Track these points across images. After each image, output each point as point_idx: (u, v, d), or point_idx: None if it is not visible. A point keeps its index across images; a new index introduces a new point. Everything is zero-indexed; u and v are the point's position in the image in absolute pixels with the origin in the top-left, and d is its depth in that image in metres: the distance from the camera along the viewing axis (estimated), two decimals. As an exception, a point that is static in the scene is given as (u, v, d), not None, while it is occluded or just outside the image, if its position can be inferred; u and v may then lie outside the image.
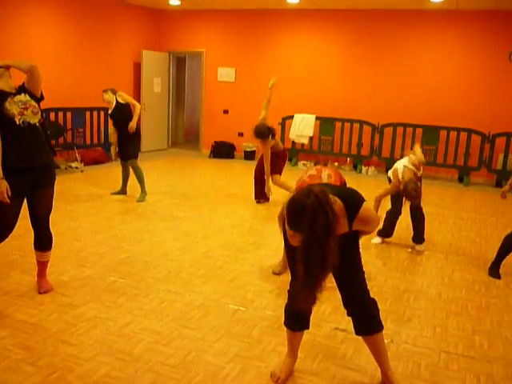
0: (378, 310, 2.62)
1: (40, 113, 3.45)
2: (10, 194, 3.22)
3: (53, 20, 8.77)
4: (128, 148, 6.52)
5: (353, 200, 2.39)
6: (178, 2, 10.02)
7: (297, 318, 2.68)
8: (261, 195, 6.69)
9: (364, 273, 2.59)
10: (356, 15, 9.64)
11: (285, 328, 2.75)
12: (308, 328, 2.75)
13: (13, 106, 3.30)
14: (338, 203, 2.27)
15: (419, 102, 9.40)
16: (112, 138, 6.75)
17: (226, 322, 3.33)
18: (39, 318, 3.24)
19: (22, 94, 3.38)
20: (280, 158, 6.55)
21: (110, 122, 6.76)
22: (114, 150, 6.69)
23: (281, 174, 6.57)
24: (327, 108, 9.99)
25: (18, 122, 3.30)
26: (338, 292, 2.62)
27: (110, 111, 6.55)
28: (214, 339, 3.10)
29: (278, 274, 4.23)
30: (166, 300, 3.62)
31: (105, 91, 6.59)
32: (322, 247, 2.09)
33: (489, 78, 8.98)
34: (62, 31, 8.97)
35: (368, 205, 2.42)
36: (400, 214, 5.08)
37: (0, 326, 3.11)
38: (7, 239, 3.45)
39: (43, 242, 3.59)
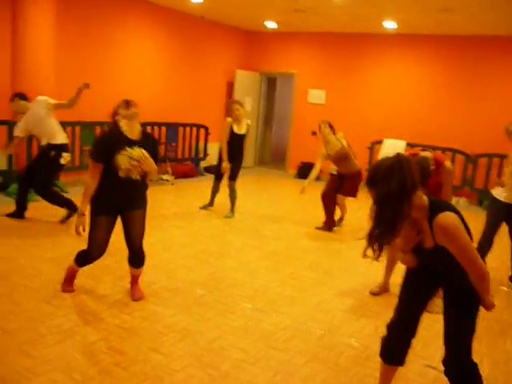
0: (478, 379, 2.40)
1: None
2: (85, 229, 3.43)
3: (153, 39, 9.23)
4: (235, 170, 6.67)
5: (438, 203, 2.26)
6: (275, 25, 10.23)
7: (393, 350, 2.58)
8: (328, 223, 6.56)
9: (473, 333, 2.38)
10: (450, 41, 9.36)
11: (380, 360, 2.65)
12: (402, 364, 2.63)
13: (124, 160, 3.32)
14: (423, 199, 2.23)
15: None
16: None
17: (312, 347, 3.28)
18: (132, 325, 3.36)
19: (141, 149, 3.38)
20: (356, 179, 6.40)
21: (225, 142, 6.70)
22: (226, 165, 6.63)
23: (356, 196, 6.39)
24: (418, 134, 9.71)
25: (120, 175, 3.38)
26: (429, 325, 2.51)
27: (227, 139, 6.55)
28: (301, 363, 3.06)
29: (376, 294, 4.29)
30: (252, 318, 3.63)
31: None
32: (394, 206, 2.12)
33: None
34: (161, 50, 9.41)
35: (452, 215, 2.19)
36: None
37: (96, 329, 3.25)
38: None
39: (136, 260, 3.73)
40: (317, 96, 10.92)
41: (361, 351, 3.27)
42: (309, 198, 8.64)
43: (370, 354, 3.22)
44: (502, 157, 8.82)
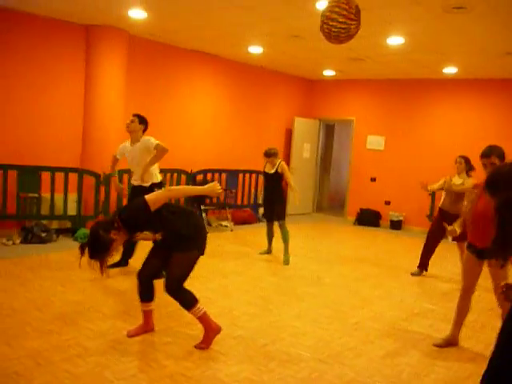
0: None
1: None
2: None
3: (215, 89, 9.56)
4: (277, 209, 6.73)
5: None
6: (334, 73, 10.38)
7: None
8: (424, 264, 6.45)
9: None
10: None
11: None
12: None
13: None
14: None
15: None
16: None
17: (380, 403, 3.15)
18: (195, 373, 3.34)
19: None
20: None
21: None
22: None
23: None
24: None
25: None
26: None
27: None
28: (369, 420, 2.93)
29: (440, 346, 4.11)
30: (317, 370, 3.53)
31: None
32: None
33: None
34: (222, 99, 9.73)
35: None
36: None
37: (159, 376, 3.26)
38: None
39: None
40: (376, 142, 10.87)
41: (432, 410, 3.10)
42: (368, 245, 8.49)
43: (442, 414, 3.05)
44: None
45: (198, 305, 3.70)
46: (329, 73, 10.43)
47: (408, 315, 4.93)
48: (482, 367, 2.29)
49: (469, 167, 6.23)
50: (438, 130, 10.08)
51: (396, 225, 10.32)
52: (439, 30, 6.36)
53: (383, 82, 10.67)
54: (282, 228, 6.70)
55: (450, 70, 9.01)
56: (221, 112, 9.73)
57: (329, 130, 12.70)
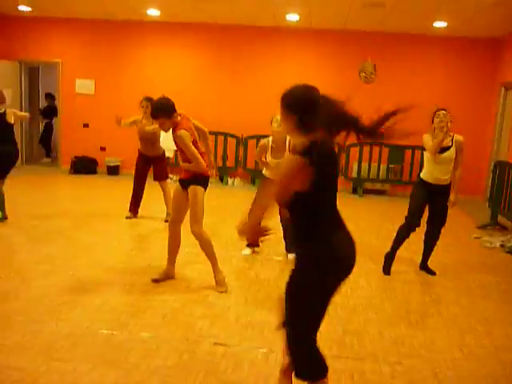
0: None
1: None
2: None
3: None
4: None
5: None
6: (29, 9, 9.39)
7: (320, 360, 2.38)
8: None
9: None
10: (208, 28, 9.80)
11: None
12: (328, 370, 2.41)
13: None
14: None
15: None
16: None
17: (98, 349, 3.12)
18: None
19: None
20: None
21: None
22: None
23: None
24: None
25: None
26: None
27: None
28: (87, 370, 2.88)
29: (156, 281, 4.28)
30: (31, 331, 3.28)
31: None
32: None
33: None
34: None
35: None
36: None
37: None
38: None
39: None
40: (85, 86, 10.41)
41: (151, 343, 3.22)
42: (84, 193, 8.23)
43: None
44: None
45: None
46: (23, 8, 9.35)
47: (125, 257, 4.99)
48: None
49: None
50: (144, 73, 10.13)
51: (113, 170, 10.24)
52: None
53: (89, 22, 10.08)
54: None
55: (154, 13, 9.08)
56: None
57: (33, 73, 11.64)
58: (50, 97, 11.85)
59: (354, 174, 9.61)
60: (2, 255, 4.86)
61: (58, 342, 3.18)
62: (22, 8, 9.35)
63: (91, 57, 10.31)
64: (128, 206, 6.61)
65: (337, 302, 4.09)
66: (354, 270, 2.30)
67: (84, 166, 10.27)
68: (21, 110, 10.65)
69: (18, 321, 3.44)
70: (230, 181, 9.87)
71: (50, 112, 11.82)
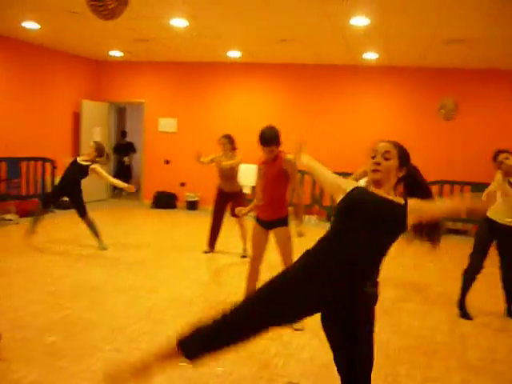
0: None
1: None
2: None
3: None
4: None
5: None
6: (121, 54, 10.08)
7: None
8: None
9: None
10: (288, 68, 10.01)
11: None
12: None
13: None
14: None
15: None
16: None
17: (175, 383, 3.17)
18: (-29, 386, 2.98)
19: None
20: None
21: None
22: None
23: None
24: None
25: None
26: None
27: None
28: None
29: None
30: (113, 360, 3.41)
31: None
32: None
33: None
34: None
35: None
36: None
37: None
38: None
39: None
40: (168, 124, 10.91)
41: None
42: (165, 227, 8.52)
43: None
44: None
45: None
46: (116, 53, 10.09)
47: (203, 291, 5.08)
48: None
49: (233, 146, 6.56)
50: (227, 112, 10.50)
51: (192, 205, 10.56)
52: (220, 14, 6.56)
53: (173, 64, 10.70)
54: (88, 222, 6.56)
55: (234, 54, 9.44)
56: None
57: (121, 113, 12.37)
58: (123, 134, 12.53)
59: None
60: (79, 286, 5.11)
61: (137, 371, 3.27)
62: (114, 53, 10.04)
63: (174, 97, 10.84)
64: (206, 240, 6.77)
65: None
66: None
67: (165, 200, 10.68)
68: (109, 148, 11.35)
69: (100, 348, 3.59)
70: (305, 218, 9.86)
71: (123, 149, 12.48)
